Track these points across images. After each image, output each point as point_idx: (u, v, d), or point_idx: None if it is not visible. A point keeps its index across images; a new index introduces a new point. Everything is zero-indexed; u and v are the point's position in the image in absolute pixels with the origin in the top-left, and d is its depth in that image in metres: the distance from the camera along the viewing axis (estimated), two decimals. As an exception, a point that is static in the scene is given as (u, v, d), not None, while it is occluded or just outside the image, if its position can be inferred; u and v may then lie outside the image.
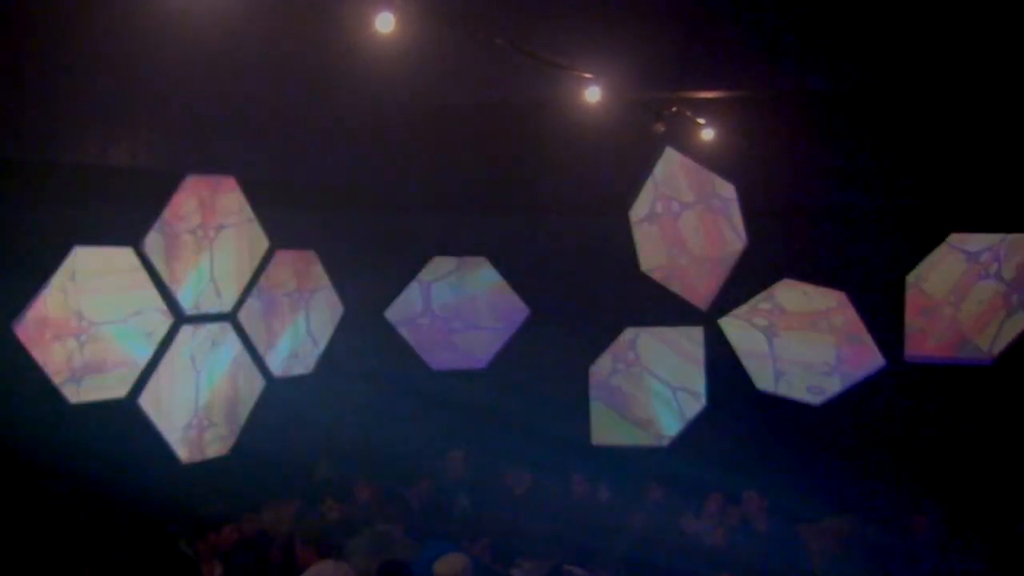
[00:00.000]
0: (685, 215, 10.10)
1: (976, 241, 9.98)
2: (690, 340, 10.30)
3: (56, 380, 7.80)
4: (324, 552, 8.08)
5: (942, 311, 10.00)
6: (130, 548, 8.94)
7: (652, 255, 10.25)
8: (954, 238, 10.01)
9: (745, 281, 10.17)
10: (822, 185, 11.11)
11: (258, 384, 9.48)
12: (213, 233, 8.99)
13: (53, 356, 7.78)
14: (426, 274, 10.95)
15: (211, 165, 9.30)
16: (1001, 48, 9.03)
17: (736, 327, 10.14)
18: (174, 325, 8.66)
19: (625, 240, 10.23)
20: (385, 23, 6.38)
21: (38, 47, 7.92)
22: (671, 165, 10.14)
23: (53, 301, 7.80)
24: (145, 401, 8.43)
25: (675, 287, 10.19)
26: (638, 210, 10.26)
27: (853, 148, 10.92)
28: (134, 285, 8.38)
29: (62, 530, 9.19)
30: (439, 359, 10.94)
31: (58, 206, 8.68)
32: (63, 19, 7.68)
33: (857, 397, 10.19)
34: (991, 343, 9.86)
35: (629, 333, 10.52)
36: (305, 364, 10.10)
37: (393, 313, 10.93)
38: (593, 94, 8.49)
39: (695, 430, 10.50)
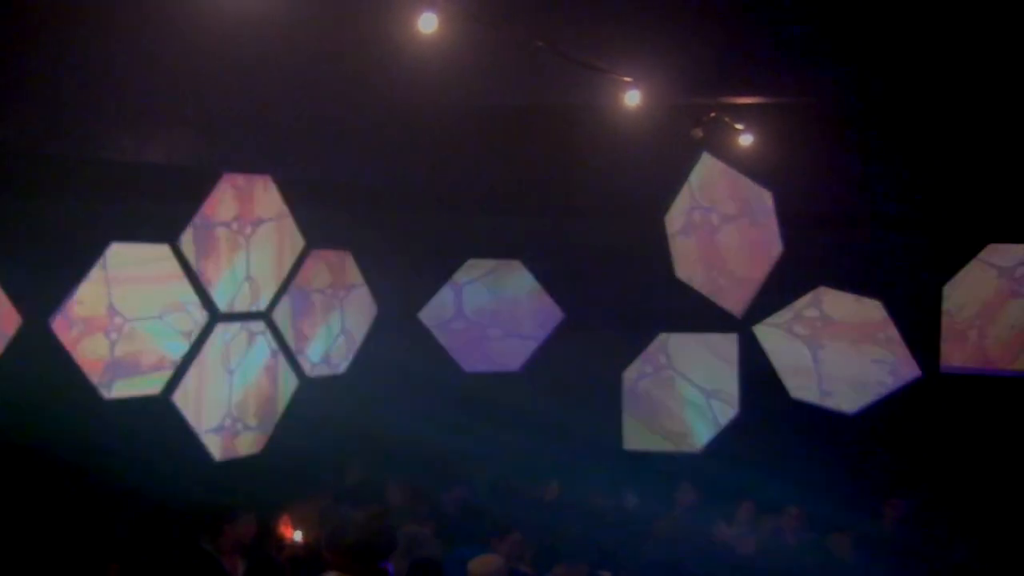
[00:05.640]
0: (725, 228, 10.01)
1: (1011, 254, 9.86)
2: (724, 346, 10.24)
3: (90, 376, 7.80)
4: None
5: (968, 335, 9.87)
6: (157, 545, 8.97)
7: (688, 267, 10.18)
8: (987, 251, 9.89)
9: (781, 287, 10.11)
10: (860, 192, 11.05)
11: (291, 383, 9.47)
12: (249, 231, 8.99)
13: (88, 352, 7.78)
14: (460, 276, 10.92)
15: (248, 163, 9.31)
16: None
17: (773, 335, 10.07)
18: (209, 323, 8.66)
19: (661, 245, 10.20)
20: (428, 23, 6.39)
21: (75, 45, 7.95)
22: (708, 172, 10.05)
23: (89, 297, 7.80)
24: (179, 398, 8.43)
25: (710, 293, 10.14)
26: (673, 222, 10.18)
27: (892, 156, 10.86)
28: (170, 282, 8.38)
29: (93, 526, 9.23)
30: (472, 361, 10.91)
31: (95, 202, 8.71)
32: (101, 17, 7.70)
33: (892, 407, 10.14)
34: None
35: (663, 338, 10.47)
36: (339, 364, 10.08)
37: (427, 315, 10.91)
38: (633, 98, 8.48)
39: (727, 437, 10.46)
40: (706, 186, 10.04)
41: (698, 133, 9.61)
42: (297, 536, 9.81)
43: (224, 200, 8.81)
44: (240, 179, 8.98)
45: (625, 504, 11.67)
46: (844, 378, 9.94)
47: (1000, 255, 9.76)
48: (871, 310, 9.93)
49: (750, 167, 10.07)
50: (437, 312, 10.93)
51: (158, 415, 8.46)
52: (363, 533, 8.04)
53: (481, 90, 10.15)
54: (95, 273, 7.86)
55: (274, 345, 9.28)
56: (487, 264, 11.00)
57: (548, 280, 10.95)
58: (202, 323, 8.61)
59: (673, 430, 10.41)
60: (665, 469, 11.08)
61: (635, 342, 10.64)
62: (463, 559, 8.55)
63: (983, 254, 9.81)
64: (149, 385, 8.23)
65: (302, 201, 9.55)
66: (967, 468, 11.44)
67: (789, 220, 9.99)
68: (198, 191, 8.73)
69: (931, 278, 10.08)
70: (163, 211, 8.73)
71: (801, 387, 10.08)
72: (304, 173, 10.16)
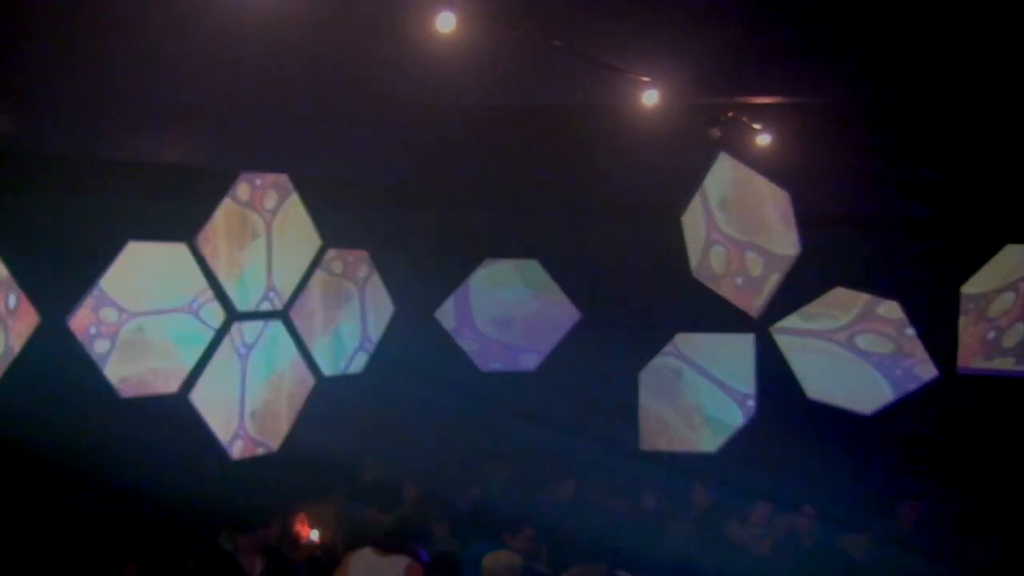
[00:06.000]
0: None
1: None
2: (741, 347, 10.22)
3: (107, 374, 7.80)
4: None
5: None
6: (174, 544, 8.99)
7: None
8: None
9: (797, 289, 10.09)
10: (878, 193, 11.02)
11: (308, 382, 9.47)
12: (266, 231, 8.99)
13: (105, 350, 7.79)
14: (477, 275, 10.92)
15: (265, 163, 9.31)
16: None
17: (791, 337, 10.02)
18: (226, 322, 8.65)
19: (678, 244, 10.18)
20: (446, 23, 6.39)
21: (93, 45, 7.96)
22: (732, 182, 9.83)
23: (106, 295, 7.80)
24: (196, 397, 8.42)
25: (727, 294, 10.11)
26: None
27: (910, 156, 10.84)
28: (187, 281, 8.37)
29: (111, 525, 9.25)
30: (488, 360, 10.91)
31: (112, 201, 8.72)
32: (118, 17, 7.71)
33: (908, 408, 10.11)
34: None
35: (679, 339, 10.46)
36: (356, 363, 10.08)
37: (443, 314, 10.91)
38: (650, 98, 8.47)
39: (743, 437, 10.45)
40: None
41: (716, 133, 9.59)
42: (314, 536, 9.82)
43: (242, 199, 8.81)
44: (258, 178, 8.98)
45: (642, 504, 11.66)
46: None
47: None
48: (888, 311, 9.88)
49: (768, 167, 10.05)
50: (453, 311, 10.93)
51: (174, 414, 8.46)
52: (399, 519, 8.19)
53: (498, 90, 10.15)
54: (112, 272, 7.85)
55: (291, 344, 9.28)
56: (504, 263, 11.00)
57: (565, 279, 10.95)
58: (219, 322, 8.61)
59: (689, 429, 10.40)
60: (681, 469, 11.06)
61: (651, 342, 10.63)
62: (478, 557, 8.57)
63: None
64: (166, 384, 8.22)
65: (320, 200, 9.56)
66: (985, 469, 11.40)
67: (806, 220, 9.97)
68: (216, 190, 8.74)
69: (949, 279, 10.04)
70: (181, 210, 8.74)
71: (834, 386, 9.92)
72: (322, 173, 10.17)
